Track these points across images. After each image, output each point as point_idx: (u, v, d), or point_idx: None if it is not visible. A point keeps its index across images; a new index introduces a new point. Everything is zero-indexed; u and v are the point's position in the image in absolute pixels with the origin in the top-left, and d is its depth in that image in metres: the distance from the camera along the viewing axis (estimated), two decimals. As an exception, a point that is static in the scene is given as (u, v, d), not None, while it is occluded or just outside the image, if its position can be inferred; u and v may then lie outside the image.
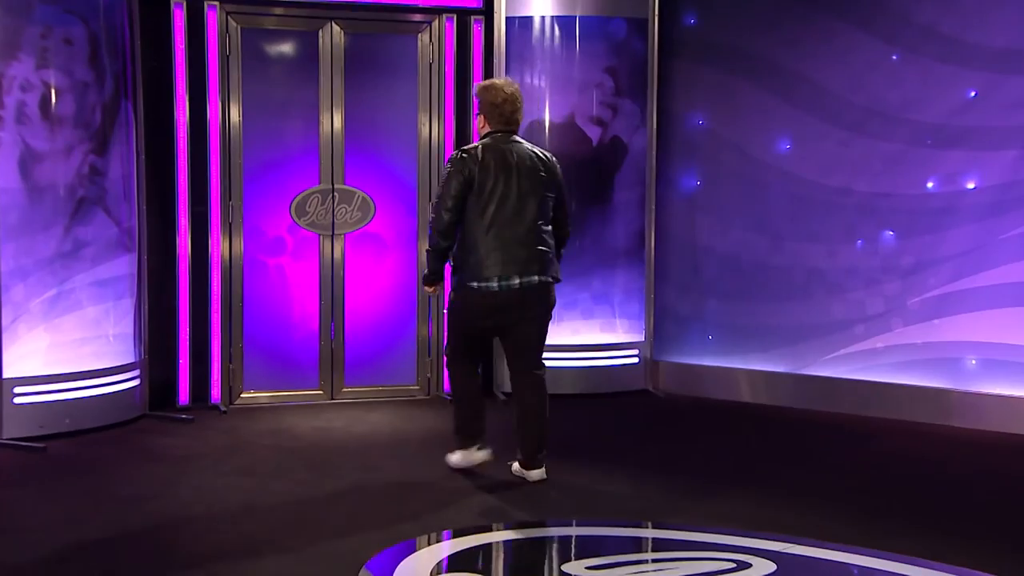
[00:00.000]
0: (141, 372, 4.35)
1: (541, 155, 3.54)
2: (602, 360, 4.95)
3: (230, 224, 4.58)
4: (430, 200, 4.58)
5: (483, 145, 3.48)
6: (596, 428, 4.39)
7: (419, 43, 4.73)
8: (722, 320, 4.95)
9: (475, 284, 3.43)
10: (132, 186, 4.28)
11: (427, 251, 3.51)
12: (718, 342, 4.97)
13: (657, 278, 5.06)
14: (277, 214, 4.67)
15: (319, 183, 4.68)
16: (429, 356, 4.86)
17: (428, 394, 4.83)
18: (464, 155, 3.46)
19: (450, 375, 3.65)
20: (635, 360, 5.03)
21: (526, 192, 3.45)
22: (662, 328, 5.07)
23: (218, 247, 4.54)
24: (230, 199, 4.57)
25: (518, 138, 3.54)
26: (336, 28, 4.64)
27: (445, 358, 3.66)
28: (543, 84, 4.80)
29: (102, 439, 4.02)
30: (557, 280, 3.51)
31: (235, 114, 4.55)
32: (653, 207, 5.01)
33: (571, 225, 3.64)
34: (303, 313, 4.76)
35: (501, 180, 3.41)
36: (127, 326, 4.25)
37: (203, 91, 4.42)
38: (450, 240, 3.46)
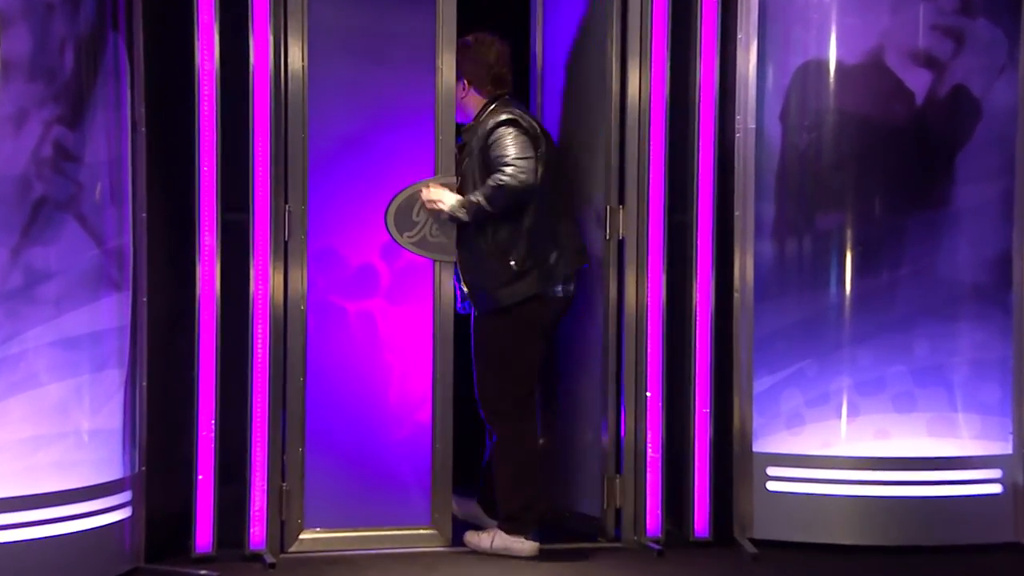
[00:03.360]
0: (135, 496, 4.04)
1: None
2: (932, 487, 4.48)
3: (286, 243, 4.28)
4: (607, 203, 4.44)
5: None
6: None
7: (606, -62, 4.52)
8: None
9: (545, 291, 4.22)
10: (124, 179, 4.02)
11: (485, 199, 4.13)
12: None
13: (1036, 341, 4.60)
14: (364, 226, 4.41)
15: (435, 173, 4.39)
16: (619, 472, 4.46)
17: (618, 536, 4.45)
18: (519, 113, 4.23)
19: (511, 436, 4.24)
20: (996, 489, 4.54)
21: (562, 172, 4.33)
22: (1047, 432, 4.58)
23: (266, 282, 4.23)
24: (286, 201, 4.27)
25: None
26: (466, -88, 4.43)
27: (498, 417, 4.26)
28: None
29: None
30: None
31: (296, 57, 4.26)
32: (1029, 213, 4.61)
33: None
34: (406, 395, 4.49)
35: (544, 154, 4.22)
36: (112, 417, 3.97)
37: (244, 18, 4.15)
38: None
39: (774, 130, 4.43)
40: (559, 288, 4.21)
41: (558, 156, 4.30)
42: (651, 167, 4.38)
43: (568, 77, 4.64)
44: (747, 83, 4.40)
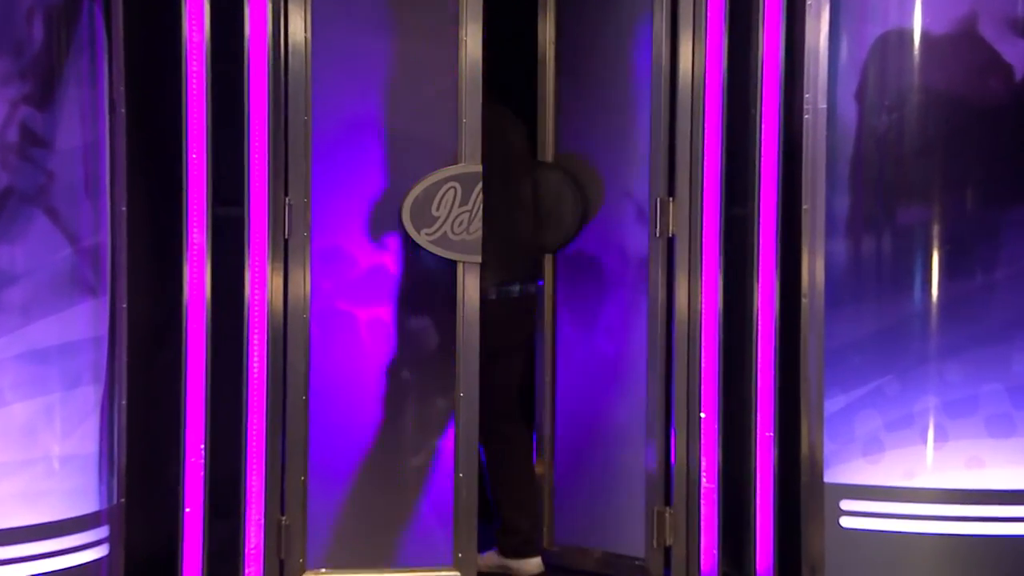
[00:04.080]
0: (112, 532, 3.96)
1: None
2: (1037, 527, 4.33)
3: (286, 241, 4.19)
4: (654, 195, 4.40)
5: None
6: None
7: None
8: None
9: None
10: (102, 168, 3.94)
11: None
12: None
13: None
14: (376, 222, 4.33)
15: (458, 160, 4.29)
16: (669, 505, 4.35)
17: (667, 582, 4.32)
18: None
19: None
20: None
21: (523, 160, 4.52)
22: None
23: (263, 285, 4.16)
24: (287, 193, 4.19)
25: None
26: None
27: None
28: (909, -41, 4.38)
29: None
30: None
31: (298, 27, 4.19)
32: None
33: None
34: (424, 416, 4.43)
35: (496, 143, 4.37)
36: (86, 440, 3.88)
37: (238, -20, 4.17)
38: None
39: (849, 110, 4.26)
40: (491, 291, 4.35)
41: (523, 148, 4.45)
42: (705, 153, 4.28)
43: (590, 55, 4.55)
44: (817, 56, 4.22)
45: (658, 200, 4.27)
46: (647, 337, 4.29)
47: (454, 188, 4.19)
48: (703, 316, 4.27)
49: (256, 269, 4.11)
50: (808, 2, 4.23)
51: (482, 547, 4.39)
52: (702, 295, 4.26)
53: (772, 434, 4.28)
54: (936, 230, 4.27)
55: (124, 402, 3.94)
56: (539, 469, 4.71)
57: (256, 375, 4.11)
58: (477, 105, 4.26)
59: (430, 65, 4.28)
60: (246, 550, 4.10)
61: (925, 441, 4.24)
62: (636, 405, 4.38)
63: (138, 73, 3.97)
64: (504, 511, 4.48)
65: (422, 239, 4.16)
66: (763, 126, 4.24)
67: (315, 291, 4.21)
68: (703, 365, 4.28)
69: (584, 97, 4.59)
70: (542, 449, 4.73)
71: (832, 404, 4.27)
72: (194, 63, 3.98)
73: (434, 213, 4.18)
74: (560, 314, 4.70)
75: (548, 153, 4.67)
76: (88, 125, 3.84)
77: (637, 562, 4.31)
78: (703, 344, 4.28)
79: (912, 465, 4.21)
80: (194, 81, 3.98)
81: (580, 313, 4.62)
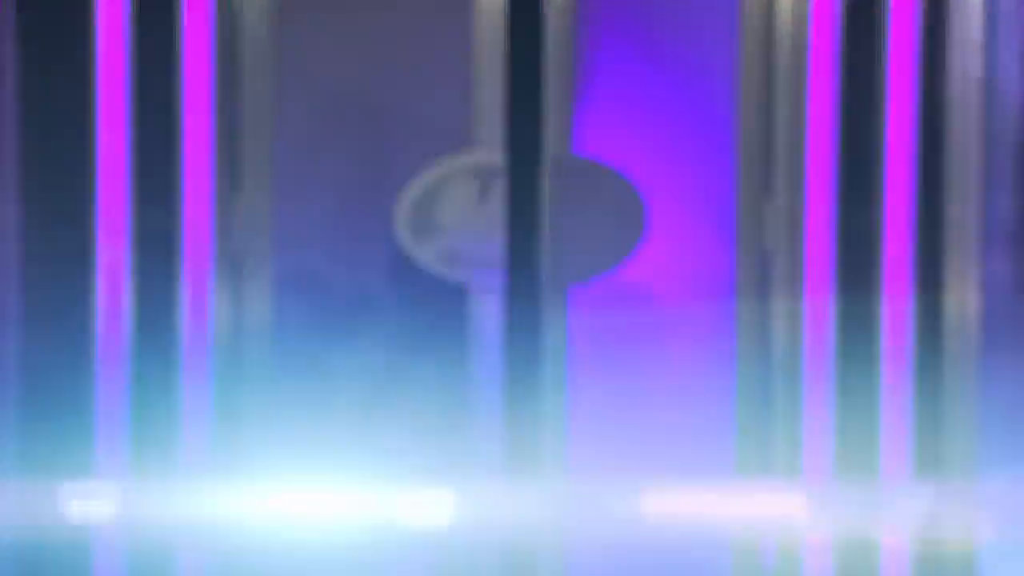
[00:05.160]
0: None
1: None
2: None
3: (238, 258, 3.83)
4: (743, 194, 4.10)
5: None
6: None
7: None
8: None
9: None
10: None
11: None
12: None
13: None
14: (361, 231, 3.97)
15: (476, 142, 3.93)
16: None
17: None
18: None
19: None
20: None
21: None
22: None
23: (205, 318, 3.83)
24: (238, 187, 3.82)
25: None
26: None
27: None
28: None
29: None
30: None
31: None
32: None
33: None
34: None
35: None
36: None
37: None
38: None
39: (1014, 78, 3.74)
40: None
41: None
42: (811, 136, 3.67)
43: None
44: (969, 2, 3.67)
45: (779, 204, 3.72)
46: (736, 389, 3.71)
47: (466, 184, 3.72)
48: (809, 360, 3.67)
49: (195, 295, 3.61)
50: (957, -74, 3.72)
51: None
52: (807, 332, 3.69)
53: (906, 523, 3.64)
54: None
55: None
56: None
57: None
58: (495, 73, 3.76)
59: (436, 19, 3.79)
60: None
61: None
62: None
63: (32, 24, 3.50)
64: None
65: (423, 253, 3.66)
66: (892, 99, 3.67)
67: (278, 325, 3.73)
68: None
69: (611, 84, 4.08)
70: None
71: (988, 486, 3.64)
72: (110, 5, 3.54)
73: (439, 219, 3.69)
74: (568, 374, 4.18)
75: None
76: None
77: None
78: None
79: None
80: (110, 33, 3.47)
81: (620, 369, 4.03)
